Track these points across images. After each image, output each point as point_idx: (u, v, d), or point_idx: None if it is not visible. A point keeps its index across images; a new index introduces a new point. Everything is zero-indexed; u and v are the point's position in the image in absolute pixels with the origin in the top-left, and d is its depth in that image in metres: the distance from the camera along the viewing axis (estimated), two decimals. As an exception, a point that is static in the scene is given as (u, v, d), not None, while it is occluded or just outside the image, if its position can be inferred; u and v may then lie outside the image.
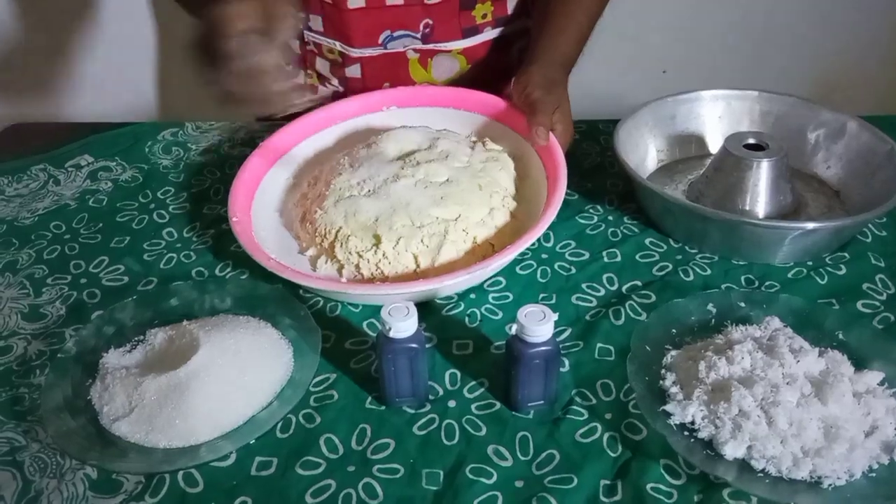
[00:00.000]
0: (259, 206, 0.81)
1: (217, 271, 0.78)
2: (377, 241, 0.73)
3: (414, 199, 0.75)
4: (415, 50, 0.97)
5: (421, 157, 0.80)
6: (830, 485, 0.54)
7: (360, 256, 0.73)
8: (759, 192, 0.78)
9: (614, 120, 0.85)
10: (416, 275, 0.73)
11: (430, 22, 0.94)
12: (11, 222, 0.86)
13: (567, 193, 0.75)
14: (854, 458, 0.55)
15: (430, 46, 0.96)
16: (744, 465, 0.56)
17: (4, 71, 1.56)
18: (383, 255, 0.73)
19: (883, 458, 0.56)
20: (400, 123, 0.88)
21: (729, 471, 0.55)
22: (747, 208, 0.78)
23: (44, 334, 0.71)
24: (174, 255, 0.80)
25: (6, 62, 1.56)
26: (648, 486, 0.56)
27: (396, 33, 0.95)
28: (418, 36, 0.95)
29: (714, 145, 0.89)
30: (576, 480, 0.56)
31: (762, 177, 0.77)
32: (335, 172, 0.80)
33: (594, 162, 0.92)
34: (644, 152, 0.88)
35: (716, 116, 0.90)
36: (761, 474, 0.55)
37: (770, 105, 0.88)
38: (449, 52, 0.97)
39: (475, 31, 0.97)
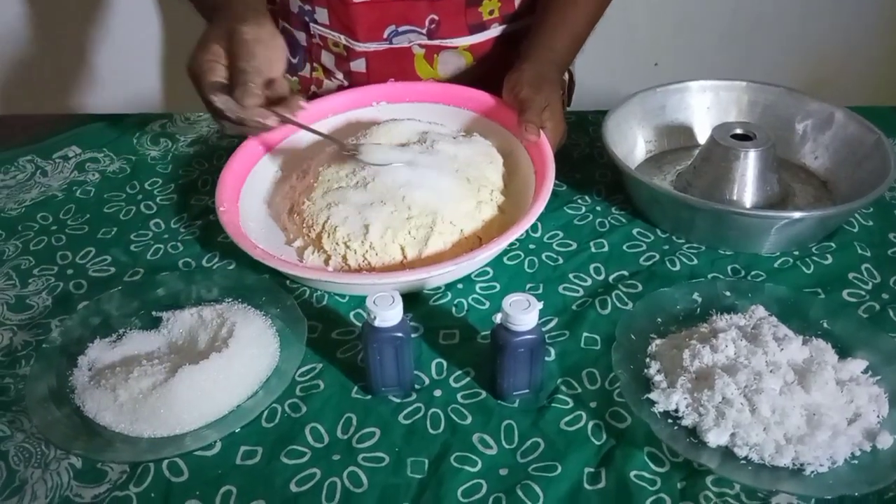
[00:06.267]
0: (247, 196, 0.81)
1: (204, 262, 0.77)
2: (365, 231, 0.73)
3: (402, 190, 0.75)
4: (420, 45, 0.96)
5: (409, 150, 0.80)
6: (813, 472, 0.54)
7: (348, 247, 0.73)
8: (747, 182, 0.78)
9: (603, 111, 0.85)
10: (403, 265, 0.73)
11: (436, 18, 0.93)
12: (-2, 213, 0.86)
13: (555, 184, 0.75)
14: (836, 446, 0.55)
15: (436, 42, 0.95)
16: (727, 453, 0.56)
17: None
18: (370, 245, 0.73)
19: (865, 445, 0.56)
20: (389, 118, 0.87)
21: (712, 458, 0.55)
22: (735, 198, 0.78)
23: (30, 325, 0.71)
24: (161, 245, 0.80)
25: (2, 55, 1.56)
26: (632, 473, 0.56)
27: (402, 28, 0.94)
28: (423, 31, 0.94)
29: (702, 136, 0.89)
30: (560, 468, 0.57)
31: (749, 167, 0.77)
32: (323, 165, 0.80)
33: (583, 153, 0.92)
34: (632, 143, 0.88)
35: (704, 107, 0.90)
36: (744, 461, 0.55)
37: (758, 95, 0.88)
38: (455, 48, 0.96)
39: (482, 27, 0.96)
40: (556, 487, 0.56)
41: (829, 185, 0.84)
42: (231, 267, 0.76)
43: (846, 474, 0.55)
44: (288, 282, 0.74)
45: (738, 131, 0.79)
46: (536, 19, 0.92)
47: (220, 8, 0.77)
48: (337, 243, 0.74)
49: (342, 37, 0.95)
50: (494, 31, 0.97)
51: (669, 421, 0.58)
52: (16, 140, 0.97)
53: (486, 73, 0.98)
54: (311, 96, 1.03)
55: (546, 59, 0.86)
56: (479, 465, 0.57)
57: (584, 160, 0.90)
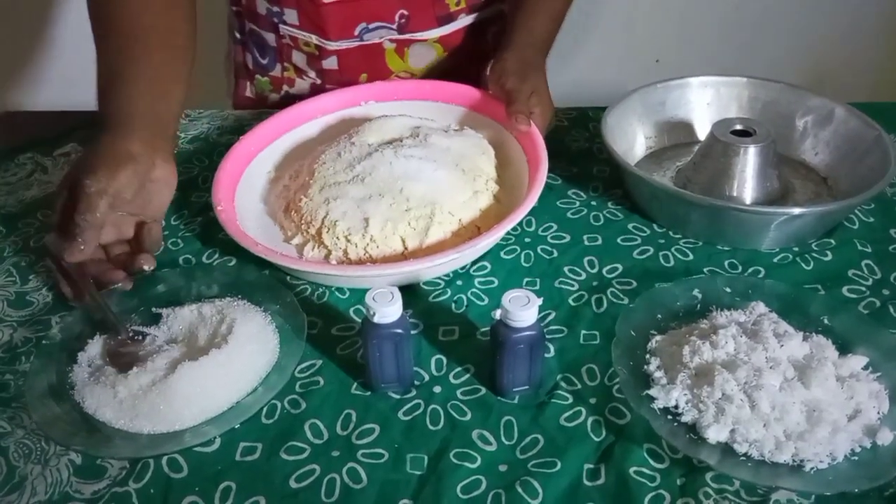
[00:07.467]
0: (242, 195, 0.81)
1: (204, 258, 0.77)
2: (365, 224, 0.73)
3: (399, 182, 0.75)
4: (391, 40, 0.96)
5: (403, 144, 0.80)
6: (813, 468, 0.54)
7: (349, 241, 0.73)
8: (747, 178, 0.78)
9: (603, 107, 0.85)
10: (405, 257, 0.73)
11: (406, 13, 0.93)
12: (-2, 210, 0.86)
13: (552, 178, 0.76)
14: (836, 442, 0.55)
15: (406, 36, 0.96)
16: (727, 449, 0.56)
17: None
18: (371, 238, 0.73)
19: (865, 442, 0.56)
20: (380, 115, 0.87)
21: (712, 454, 0.55)
22: (734, 194, 0.78)
23: (30, 321, 0.71)
24: (161, 242, 0.79)
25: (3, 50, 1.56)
26: (632, 469, 0.56)
27: (372, 25, 0.94)
28: (394, 27, 0.94)
29: (703, 132, 0.89)
30: (559, 464, 0.57)
31: (749, 163, 0.77)
32: (318, 162, 0.80)
33: (581, 147, 0.92)
34: (632, 139, 0.88)
35: (704, 103, 0.90)
36: (744, 458, 0.55)
37: (758, 91, 0.88)
38: (425, 41, 0.97)
39: (450, 18, 0.97)
40: (555, 484, 0.56)
41: (830, 181, 0.84)
42: (231, 263, 0.76)
43: (846, 471, 0.54)
44: (288, 278, 0.74)
45: (739, 127, 0.79)
46: (513, 5, 0.92)
47: (112, 127, 0.70)
48: (338, 238, 0.73)
49: (313, 37, 0.96)
50: (462, 21, 0.98)
51: (669, 417, 0.58)
52: (16, 137, 0.97)
53: (457, 62, 0.99)
54: (285, 96, 1.03)
55: (527, 43, 0.86)
56: (479, 462, 0.57)
57: (583, 155, 0.90)
